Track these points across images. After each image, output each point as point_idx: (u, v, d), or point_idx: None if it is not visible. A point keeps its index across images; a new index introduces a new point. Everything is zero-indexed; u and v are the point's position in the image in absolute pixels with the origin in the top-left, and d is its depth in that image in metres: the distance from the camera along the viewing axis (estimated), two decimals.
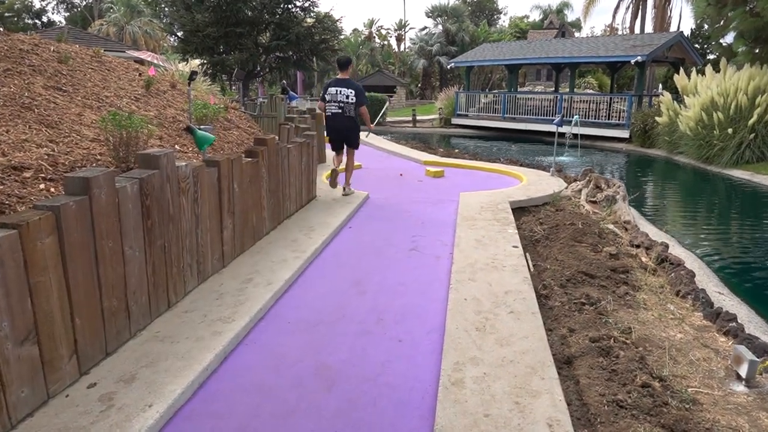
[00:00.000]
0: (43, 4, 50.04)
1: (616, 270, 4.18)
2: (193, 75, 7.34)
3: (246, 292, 3.48)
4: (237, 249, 4.21)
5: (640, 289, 3.92)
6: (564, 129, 17.02)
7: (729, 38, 14.11)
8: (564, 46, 19.28)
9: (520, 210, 6.25)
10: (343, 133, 6.44)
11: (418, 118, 23.26)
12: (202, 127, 3.94)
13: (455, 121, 21.39)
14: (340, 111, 6.28)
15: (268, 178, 4.81)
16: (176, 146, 5.61)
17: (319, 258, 4.42)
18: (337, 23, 23.81)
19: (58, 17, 50.67)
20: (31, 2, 49.45)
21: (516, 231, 5.03)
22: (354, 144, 6.56)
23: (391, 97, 32.04)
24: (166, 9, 21.12)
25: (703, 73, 13.31)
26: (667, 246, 4.80)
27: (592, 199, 6.58)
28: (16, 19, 46.85)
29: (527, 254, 4.66)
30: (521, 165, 10.18)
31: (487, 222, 5.27)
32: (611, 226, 5.49)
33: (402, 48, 43.15)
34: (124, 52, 21.75)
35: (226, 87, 28.13)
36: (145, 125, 4.32)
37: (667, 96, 13.78)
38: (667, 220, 7.85)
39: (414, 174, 8.53)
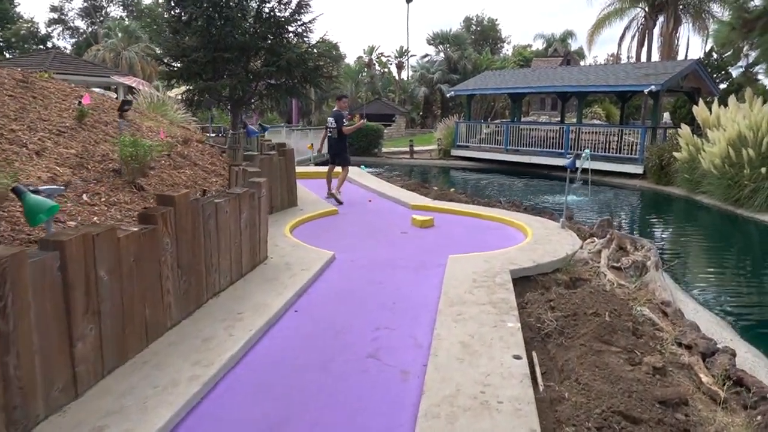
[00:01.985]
0: (49, 30, 49.87)
1: (668, 403, 2.80)
2: (124, 105, 6.12)
3: None
4: (107, 363, 2.86)
5: None
6: (583, 165, 15.74)
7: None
8: (571, 75, 18.18)
9: (524, 280, 4.89)
10: (333, 152, 8.98)
11: (416, 148, 22.10)
12: (43, 188, 2.66)
13: (455, 152, 20.20)
14: (330, 135, 8.81)
15: (177, 249, 3.48)
16: (84, 196, 4.34)
17: (231, 375, 3.05)
18: (333, 49, 22.71)
19: (63, 43, 50.40)
20: (38, 28, 49.32)
21: (518, 323, 3.66)
22: (341, 162, 8.92)
23: (389, 125, 31.04)
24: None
25: (725, 104, 12.07)
26: (733, 354, 3.41)
27: (615, 264, 5.23)
28: (23, 44, 46.55)
29: (536, 363, 3.28)
30: (524, 210, 8.84)
31: (480, 308, 3.90)
32: (646, 311, 4.11)
33: (403, 76, 42.49)
34: (109, 77, 20.82)
35: (219, 115, 27.18)
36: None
37: (686, 129, 12.51)
38: (713, 288, 6.40)
39: (398, 222, 7.20)
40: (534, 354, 3.46)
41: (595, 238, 6.09)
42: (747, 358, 3.80)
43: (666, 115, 37.90)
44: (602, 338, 3.45)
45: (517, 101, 21.55)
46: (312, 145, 15.11)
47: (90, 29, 48.45)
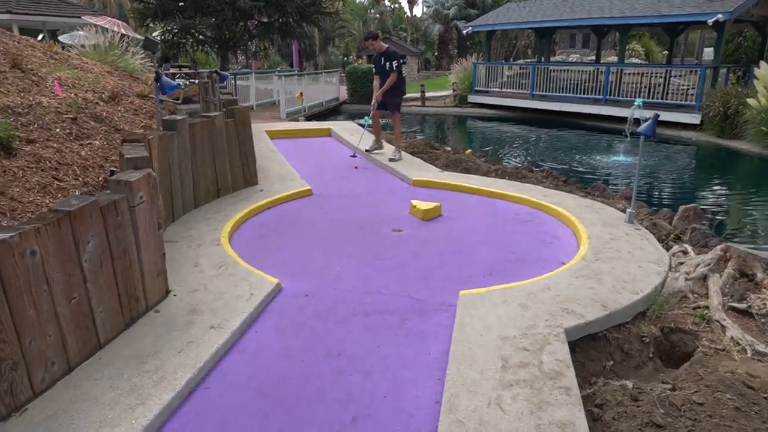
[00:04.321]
0: None
1: None
2: None
3: None
4: None
5: None
6: (616, 112, 13.23)
7: None
8: (612, 4, 15.25)
9: (587, 340, 2.88)
10: (387, 96, 7.09)
11: (429, 94, 19.56)
12: None
13: (473, 98, 17.66)
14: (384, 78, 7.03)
15: None
16: None
17: None
18: None
19: None
20: None
21: None
22: (394, 107, 7.21)
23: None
24: None
25: None
26: None
27: (736, 305, 3.16)
28: None
29: None
30: (565, 182, 6.68)
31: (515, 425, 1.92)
32: None
33: (416, 12, 38.87)
34: (80, 17, 18.45)
35: (204, 58, 24.62)
36: None
37: (765, 69, 9.94)
38: None
39: (392, 209, 5.15)
40: None
41: (686, 246, 3.98)
42: None
43: (707, 51, 33.98)
44: None
45: (544, 38, 18.66)
46: (301, 94, 12.82)
47: None
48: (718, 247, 3.51)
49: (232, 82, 11.22)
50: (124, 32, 14.11)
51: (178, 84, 5.52)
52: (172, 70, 23.37)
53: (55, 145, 4.57)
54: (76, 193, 4.09)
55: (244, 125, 5.59)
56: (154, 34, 18.81)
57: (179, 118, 4.62)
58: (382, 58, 7.00)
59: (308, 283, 3.54)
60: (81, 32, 14.07)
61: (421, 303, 3.23)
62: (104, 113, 5.80)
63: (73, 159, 4.54)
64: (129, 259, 2.79)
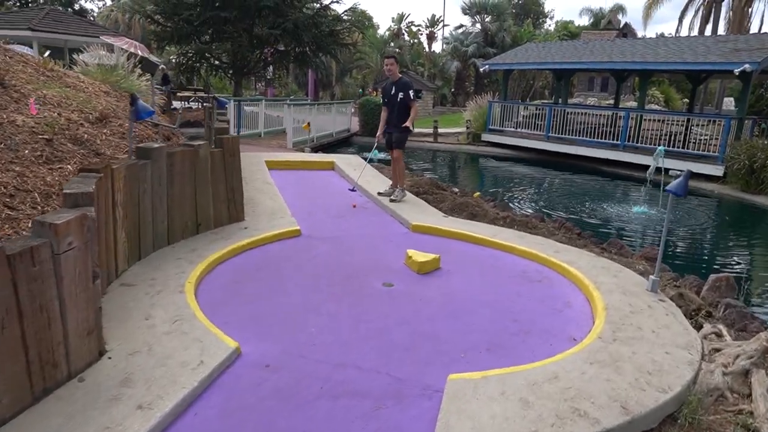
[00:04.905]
0: None
1: None
2: None
3: None
4: None
5: None
6: (634, 159, 12.68)
7: None
8: (634, 49, 14.93)
9: None
10: (391, 131, 6.62)
11: (442, 130, 19.25)
12: None
13: (486, 137, 17.30)
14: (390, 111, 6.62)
15: None
16: None
17: None
18: (365, 19, 20.09)
19: (90, 5, 47.93)
20: None
21: None
22: (398, 143, 6.57)
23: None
24: None
25: None
26: None
27: None
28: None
29: None
30: (579, 236, 6.14)
31: None
32: None
33: (434, 48, 39.08)
34: (98, 37, 18.61)
35: (221, 83, 24.73)
36: None
37: None
38: None
39: (386, 257, 4.65)
40: None
41: (719, 326, 3.40)
42: None
43: (727, 101, 33.55)
44: None
45: (563, 79, 18.36)
46: (308, 124, 12.53)
47: None
48: (762, 335, 2.94)
49: (237, 108, 10.95)
50: (141, 54, 14.07)
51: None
52: (186, 93, 23.48)
53: (17, 168, 4.16)
54: (29, 224, 3.65)
55: (232, 156, 5.17)
56: (171, 57, 18.87)
57: (155, 146, 4.21)
58: (394, 88, 6.47)
59: (274, 347, 3.02)
60: (103, 52, 14.06)
61: (402, 384, 2.69)
62: (86, 135, 5.42)
63: (35, 185, 4.12)
64: (48, 317, 2.31)
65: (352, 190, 7.09)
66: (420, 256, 4.41)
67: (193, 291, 3.62)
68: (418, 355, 3.00)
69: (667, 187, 3.72)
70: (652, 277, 3.97)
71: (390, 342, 3.14)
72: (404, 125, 6.42)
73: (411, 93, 6.37)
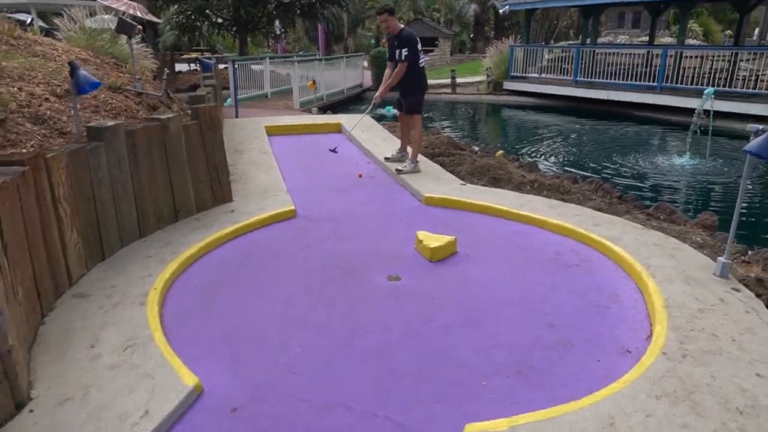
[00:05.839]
0: None
1: None
2: None
3: None
4: None
5: None
6: (675, 102, 11.46)
7: None
8: None
9: None
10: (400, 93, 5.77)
11: (460, 80, 18.04)
12: None
13: (508, 85, 16.08)
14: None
15: None
16: None
17: None
18: None
19: None
20: None
21: None
22: (409, 107, 5.66)
23: (431, 51, 26.56)
24: None
25: None
26: None
27: None
28: None
29: None
30: (620, 199, 5.31)
31: None
32: None
33: None
34: (95, 0, 17.78)
35: (230, 42, 23.59)
36: None
37: None
38: None
39: (393, 242, 3.95)
40: None
41: None
42: None
43: (756, 32, 30.79)
44: None
45: (591, 16, 16.79)
46: (314, 82, 11.63)
47: None
48: None
49: (233, 69, 10.10)
50: (140, 15, 13.20)
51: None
52: (193, 55, 22.52)
53: None
54: None
55: (211, 128, 4.45)
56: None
57: (109, 124, 3.52)
58: (396, 42, 5.60)
59: (246, 379, 2.40)
60: (106, 16, 13.26)
61: None
62: (49, 112, 4.75)
63: None
64: None
65: (333, 151, 6.31)
66: (432, 240, 3.70)
67: (157, 301, 3.00)
68: (427, 385, 2.34)
69: (746, 147, 2.87)
70: (721, 259, 3.18)
71: (391, 367, 2.48)
72: (406, 85, 5.57)
73: (403, 51, 5.40)
